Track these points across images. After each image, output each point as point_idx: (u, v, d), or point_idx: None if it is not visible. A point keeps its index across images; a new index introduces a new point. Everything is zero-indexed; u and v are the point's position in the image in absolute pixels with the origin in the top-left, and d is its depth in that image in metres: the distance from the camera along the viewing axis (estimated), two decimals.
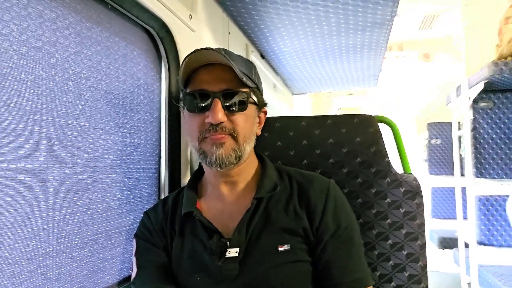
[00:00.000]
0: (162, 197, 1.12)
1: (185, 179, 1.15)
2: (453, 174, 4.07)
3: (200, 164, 1.14)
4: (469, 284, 2.76)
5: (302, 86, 2.79)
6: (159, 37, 1.09)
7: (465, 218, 2.94)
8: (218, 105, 0.81)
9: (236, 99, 0.83)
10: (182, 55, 1.13)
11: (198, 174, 0.98)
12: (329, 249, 0.83)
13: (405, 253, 1.00)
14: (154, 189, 1.11)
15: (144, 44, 1.06)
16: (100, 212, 0.88)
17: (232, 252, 0.81)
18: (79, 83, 0.82)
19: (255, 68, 0.92)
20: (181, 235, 0.89)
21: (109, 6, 0.91)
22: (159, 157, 1.13)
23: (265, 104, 0.94)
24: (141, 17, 0.99)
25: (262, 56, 2.06)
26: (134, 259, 0.90)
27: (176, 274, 0.87)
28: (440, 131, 4.19)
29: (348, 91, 5.21)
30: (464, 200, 3.05)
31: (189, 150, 1.18)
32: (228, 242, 0.82)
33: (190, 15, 1.17)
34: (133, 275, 0.88)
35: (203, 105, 0.83)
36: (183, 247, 0.87)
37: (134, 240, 0.92)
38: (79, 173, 0.82)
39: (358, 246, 0.87)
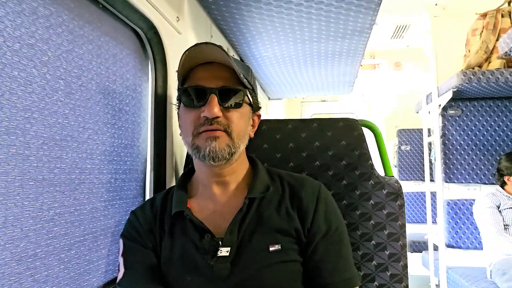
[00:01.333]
0: (147, 199, 1.11)
1: (171, 181, 1.14)
2: (421, 179, 4.22)
3: (186, 166, 1.14)
4: (437, 285, 2.85)
5: (279, 91, 2.82)
6: (147, 38, 1.08)
7: (434, 222, 3.05)
8: (214, 100, 0.82)
9: (232, 96, 0.85)
10: (169, 57, 1.13)
11: (187, 175, 0.98)
12: (320, 249, 0.85)
13: (387, 253, 1.04)
14: (139, 191, 1.10)
15: (132, 45, 1.05)
16: (87, 213, 0.87)
17: (224, 252, 0.82)
18: (70, 81, 0.80)
19: (252, 71, 0.94)
20: (170, 235, 0.88)
21: (100, 5, 0.90)
22: (145, 159, 1.12)
23: (259, 108, 0.96)
24: (131, 17, 0.98)
25: (242, 60, 2.08)
26: (121, 260, 0.88)
27: (166, 274, 0.86)
28: (410, 138, 4.33)
29: (321, 97, 5.30)
30: (433, 204, 3.16)
31: (174, 152, 1.17)
32: (220, 242, 0.82)
33: (177, 17, 1.17)
34: (120, 276, 0.86)
35: (200, 100, 0.84)
36: (173, 247, 0.86)
37: (121, 241, 0.90)
38: (68, 173, 0.80)
39: (347, 247, 0.89)
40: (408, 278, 1.04)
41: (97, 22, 0.89)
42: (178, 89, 0.90)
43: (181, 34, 1.22)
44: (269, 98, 3.04)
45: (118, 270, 0.88)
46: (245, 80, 0.85)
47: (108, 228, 0.95)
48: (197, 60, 0.86)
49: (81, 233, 0.84)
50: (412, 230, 4.14)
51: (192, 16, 1.33)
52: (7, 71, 0.65)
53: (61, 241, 0.78)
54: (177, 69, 0.87)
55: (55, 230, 0.76)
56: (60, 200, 0.78)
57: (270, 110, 3.33)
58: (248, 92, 0.89)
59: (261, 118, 1.02)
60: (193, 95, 0.85)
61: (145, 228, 0.89)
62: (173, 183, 1.15)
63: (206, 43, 0.81)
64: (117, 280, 0.86)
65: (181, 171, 1.20)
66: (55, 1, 0.76)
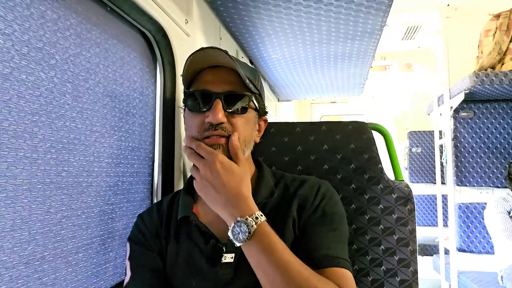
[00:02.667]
0: (155, 201, 1.11)
1: (179, 184, 1.14)
2: (433, 182, 4.17)
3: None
4: None
5: (288, 93, 2.81)
6: (155, 40, 1.08)
7: (445, 225, 3.01)
8: (219, 105, 0.81)
9: (237, 101, 0.84)
10: (178, 59, 1.13)
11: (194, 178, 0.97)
12: (308, 229, 0.83)
13: (397, 258, 1.02)
14: (147, 193, 1.10)
15: (141, 48, 1.06)
16: (94, 216, 0.87)
17: (228, 258, 0.81)
18: (77, 85, 0.81)
19: (259, 76, 0.93)
20: (176, 239, 0.88)
21: (108, 8, 0.90)
22: (153, 162, 1.12)
23: (266, 112, 0.95)
24: (138, 20, 0.98)
25: (251, 62, 2.07)
26: (127, 263, 0.88)
27: (171, 278, 0.86)
28: (421, 140, 4.29)
29: (331, 99, 5.28)
30: (444, 207, 3.12)
31: (182, 154, 1.17)
32: (224, 248, 0.82)
33: (186, 19, 1.17)
34: (127, 280, 0.86)
35: (205, 104, 0.83)
36: (179, 252, 0.86)
37: (128, 244, 0.90)
38: (75, 176, 0.80)
39: (340, 233, 0.84)
40: (418, 284, 1.02)
41: (104, 25, 0.90)
42: (184, 92, 0.90)
43: (189, 37, 1.21)
44: (278, 99, 3.03)
45: (125, 273, 0.88)
46: (251, 85, 0.84)
47: (116, 231, 0.95)
48: (203, 63, 0.85)
49: (88, 236, 0.85)
50: (423, 234, 4.09)
51: (201, 18, 1.33)
52: (15, 74, 0.65)
53: (69, 244, 0.78)
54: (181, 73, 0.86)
55: (62, 233, 0.76)
56: (68, 203, 0.78)
57: (280, 112, 3.32)
58: (254, 97, 0.88)
59: (271, 120, 1.01)
60: (198, 99, 0.84)
61: (151, 232, 0.89)
62: (181, 186, 1.15)
63: (211, 47, 0.80)
64: (124, 284, 0.86)
65: (189, 174, 1.20)
66: (63, 4, 0.76)
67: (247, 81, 0.82)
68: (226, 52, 0.80)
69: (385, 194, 1.05)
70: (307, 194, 0.88)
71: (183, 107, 0.90)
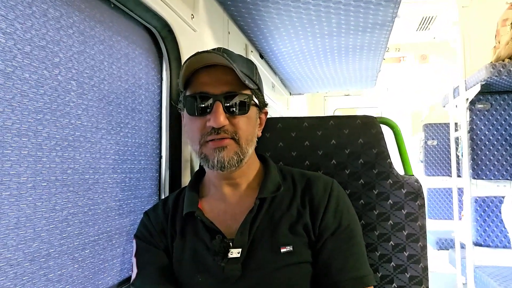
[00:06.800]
0: (163, 197, 1.12)
1: (186, 179, 1.14)
2: (448, 175, 4.10)
3: (200, 164, 1.14)
4: (464, 284, 2.77)
5: (300, 87, 2.79)
6: (161, 36, 1.08)
7: (461, 219, 2.96)
8: (220, 108, 0.79)
9: (237, 101, 0.82)
10: (184, 55, 1.12)
11: (199, 175, 0.97)
12: (329, 247, 0.83)
13: (406, 254, 1.00)
14: (154, 189, 1.10)
15: (146, 44, 1.05)
16: (101, 213, 0.87)
17: (235, 253, 0.81)
18: (82, 82, 0.81)
19: (256, 68, 0.91)
20: (182, 235, 0.88)
21: (112, 5, 0.90)
22: (160, 157, 1.12)
23: (266, 105, 0.94)
24: (143, 16, 0.98)
25: (261, 56, 2.06)
26: (134, 260, 0.89)
27: (178, 275, 0.86)
28: (436, 132, 4.21)
29: (345, 92, 5.22)
30: (460, 201, 3.07)
31: (190, 150, 1.17)
32: (231, 243, 0.82)
33: (192, 14, 1.16)
34: (133, 276, 0.87)
35: (204, 108, 0.81)
36: (185, 248, 0.86)
37: (134, 241, 0.91)
38: (81, 173, 0.81)
39: (360, 246, 0.86)
40: (428, 280, 1.00)
41: (108, 22, 0.90)
42: (182, 93, 0.88)
43: (196, 32, 1.21)
44: (290, 93, 3.01)
45: (132, 270, 0.88)
46: (250, 83, 0.83)
47: (123, 227, 0.96)
48: (199, 63, 0.83)
49: (95, 233, 0.85)
50: (439, 227, 4.03)
51: (208, 13, 1.32)
52: (18, 73, 0.65)
53: (75, 241, 0.79)
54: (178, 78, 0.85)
55: (68, 230, 0.77)
56: (74, 200, 0.79)
57: (293, 104, 3.29)
58: (254, 93, 0.86)
59: (282, 114, 1.00)
60: (197, 102, 0.82)
61: (157, 228, 0.90)
62: None
63: (207, 51, 0.79)
64: (131, 280, 0.87)
65: (197, 169, 1.20)
66: (66, 2, 0.76)
67: (246, 81, 0.80)
68: (221, 54, 0.78)
69: (395, 189, 1.03)
70: (319, 198, 0.86)
71: (181, 109, 0.89)
